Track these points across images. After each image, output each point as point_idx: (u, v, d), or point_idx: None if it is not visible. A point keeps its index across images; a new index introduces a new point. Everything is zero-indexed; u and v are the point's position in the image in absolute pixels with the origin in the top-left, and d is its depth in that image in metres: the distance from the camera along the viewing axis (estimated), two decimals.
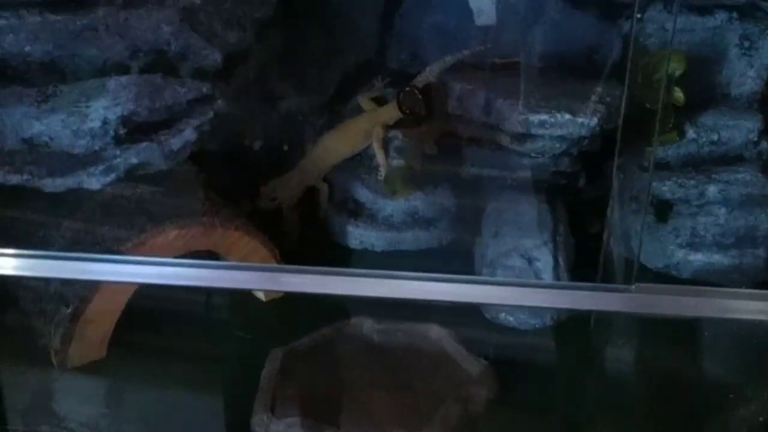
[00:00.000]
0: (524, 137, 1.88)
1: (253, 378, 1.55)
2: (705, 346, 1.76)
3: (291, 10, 2.07)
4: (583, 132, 1.85)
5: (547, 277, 1.82)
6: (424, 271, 1.34)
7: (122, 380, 1.71)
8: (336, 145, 2.12)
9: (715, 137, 1.95)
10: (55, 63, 1.66)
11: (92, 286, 1.62)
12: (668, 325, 1.72)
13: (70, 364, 1.67)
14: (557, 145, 1.88)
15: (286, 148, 2.11)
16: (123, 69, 1.69)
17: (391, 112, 2.10)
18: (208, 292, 1.87)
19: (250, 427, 1.48)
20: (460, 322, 1.69)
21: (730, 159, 1.96)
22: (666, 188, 1.92)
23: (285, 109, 2.11)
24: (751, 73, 1.99)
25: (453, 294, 1.35)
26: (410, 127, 2.06)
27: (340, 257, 2.04)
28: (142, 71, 1.70)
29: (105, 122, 1.65)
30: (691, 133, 1.95)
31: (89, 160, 1.65)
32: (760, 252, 1.90)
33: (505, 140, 1.91)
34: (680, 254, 1.92)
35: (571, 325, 1.82)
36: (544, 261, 1.84)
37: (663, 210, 1.95)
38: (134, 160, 1.67)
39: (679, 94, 1.86)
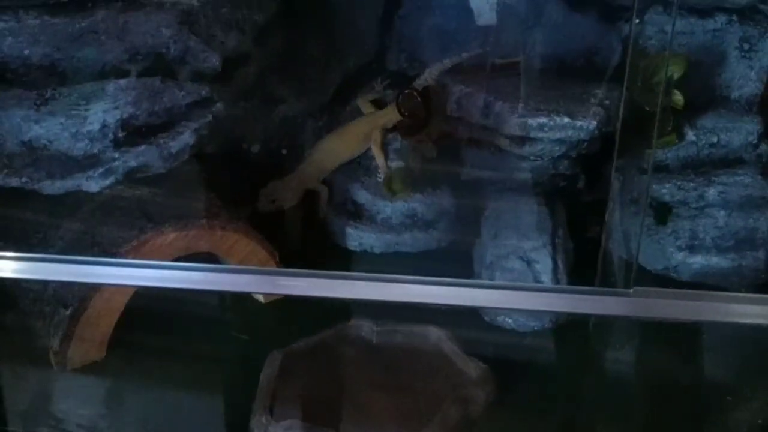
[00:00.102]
0: (523, 140, 1.88)
1: (252, 380, 1.55)
2: (703, 348, 1.77)
3: (290, 13, 2.07)
4: (582, 135, 1.85)
5: (546, 279, 1.83)
6: (423, 273, 1.34)
7: (121, 381, 1.71)
8: (335, 148, 2.12)
9: (714, 140, 1.96)
10: (54, 66, 1.66)
11: (91, 288, 1.63)
12: (667, 327, 1.72)
13: (70, 365, 1.67)
14: (556, 148, 1.88)
15: (284, 152, 2.12)
16: (122, 72, 1.70)
17: (390, 115, 2.10)
18: (207, 293, 1.87)
19: (249, 429, 1.48)
20: (459, 323, 1.69)
21: (729, 161, 1.96)
22: (665, 191, 1.92)
23: (284, 111, 2.12)
24: (751, 75, 2.00)
25: (451, 297, 1.35)
26: (409, 129, 2.06)
27: (339, 259, 2.04)
28: (141, 74, 1.71)
29: (104, 125, 1.65)
30: (690, 135, 1.95)
31: (88, 162, 1.66)
32: (760, 254, 1.90)
33: (504, 143, 1.91)
34: (679, 257, 1.92)
35: (570, 328, 1.82)
36: (543, 263, 1.84)
37: (662, 212, 1.95)
38: (133, 163, 1.68)
39: (678, 97, 1.86)
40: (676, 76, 1.85)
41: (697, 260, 1.91)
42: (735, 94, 2.01)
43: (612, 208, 1.75)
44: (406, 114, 2.06)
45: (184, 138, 1.72)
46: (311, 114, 2.18)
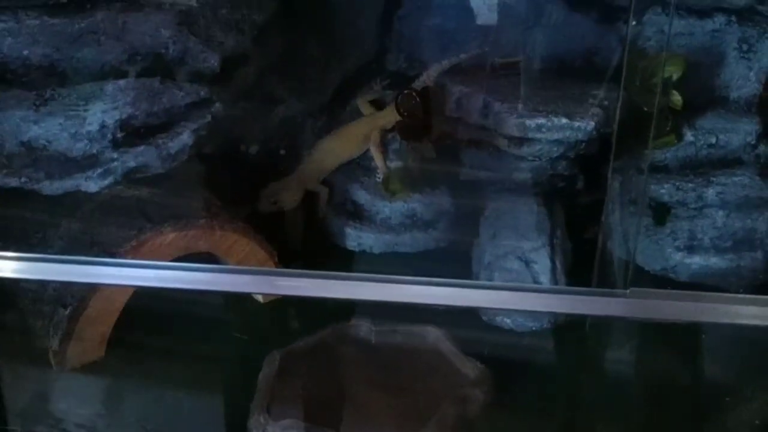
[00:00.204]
0: (521, 141, 1.88)
1: (250, 379, 1.56)
2: (700, 349, 1.77)
3: (290, 14, 2.07)
4: (580, 136, 1.85)
5: (545, 279, 1.83)
6: (421, 274, 1.34)
7: (120, 381, 1.71)
8: (335, 148, 2.12)
9: (713, 140, 1.95)
10: (53, 66, 1.66)
11: (90, 287, 1.63)
12: (665, 328, 1.72)
13: (69, 364, 1.68)
14: (554, 149, 1.88)
15: (282, 152, 2.12)
16: (121, 73, 1.70)
17: (389, 116, 2.10)
18: (206, 293, 1.88)
19: (247, 428, 1.48)
20: (457, 324, 1.70)
21: (728, 162, 1.96)
22: (664, 191, 1.92)
23: (283, 112, 2.12)
24: (750, 76, 1.99)
25: (450, 298, 1.35)
26: (408, 130, 2.06)
27: (338, 259, 2.04)
28: (140, 75, 1.71)
29: (103, 126, 1.65)
30: (689, 136, 1.95)
31: (87, 163, 1.66)
32: (758, 255, 1.90)
33: (502, 143, 1.91)
34: (678, 257, 1.92)
35: (568, 328, 1.83)
36: (542, 264, 1.84)
37: (661, 213, 1.95)
38: (132, 164, 1.68)
39: (677, 97, 1.86)
40: (675, 76, 1.85)
41: (696, 261, 1.91)
42: (734, 95, 2.01)
43: (609, 208, 1.75)
44: (405, 114, 2.06)
45: (183, 138, 1.72)
46: (310, 114, 2.18)
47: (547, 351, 1.81)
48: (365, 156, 2.13)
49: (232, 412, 1.62)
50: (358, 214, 2.09)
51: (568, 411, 1.70)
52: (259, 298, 1.89)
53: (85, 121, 1.64)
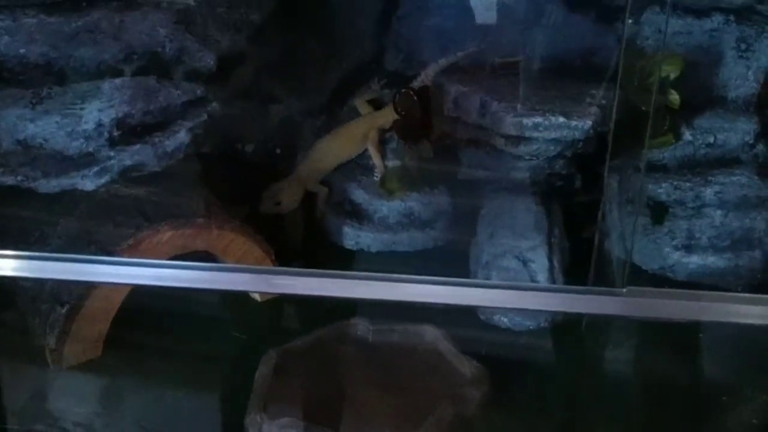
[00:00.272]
0: (518, 140, 1.88)
1: (248, 378, 1.56)
2: (696, 347, 1.77)
3: (287, 13, 2.07)
4: (577, 135, 1.85)
5: (542, 278, 1.83)
6: (419, 273, 1.34)
7: (117, 379, 1.71)
8: (333, 148, 2.12)
9: (711, 139, 1.96)
10: (50, 65, 1.66)
11: (88, 286, 1.63)
12: (662, 326, 1.72)
13: (66, 363, 1.68)
14: (551, 148, 1.88)
15: (278, 150, 2.12)
16: (118, 71, 1.70)
17: (387, 116, 2.10)
18: (204, 291, 1.88)
19: (244, 427, 1.48)
20: (455, 323, 1.70)
21: (726, 161, 1.96)
22: (662, 190, 1.93)
23: (281, 111, 2.12)
24: (748, 75, 1.99)
25: (447, 296, 1.35)
26: (406, 129, 2.06)
27: (336, 258, 2.04)
28: (137, 73, 1.71)
29: (99, 124, 1.66)
30: (687, 135, 1.95)
31: (84, 161, 1.66)
32: (756, 254, 1.90)
33: (499, 142, 1.91)
34: (676, 256, 1.92)
35: (566, 327, 1.83)
36: (539, 263, 1.84)
37: (659, 212, 1.95)
38: (128, 162, 1.68)
39: (675, 97, 1.86)
40: (672, 76, 1.85)
41: (694, 260, 1.91)
42: (732, 94, 2.00)
43: (606, 207, 1.75)
44: (403, 113, 2.06)
45: (180, 137, 1.73)
46: (309, 114, 2.18)
47: (545, 350, 1.81)
48: (363, 155, 2.13)
49: (229, 411, 1.62)
50: (356, 213, 2.09)
51: (565, 410, 1.70)
52: (257, 296, 1.89)
53: (81, 120, 1.65)
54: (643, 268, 1.95)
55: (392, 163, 2.10)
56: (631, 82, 1.74)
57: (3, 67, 1.65)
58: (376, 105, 2.19)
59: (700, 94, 1.99)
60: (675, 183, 1.92)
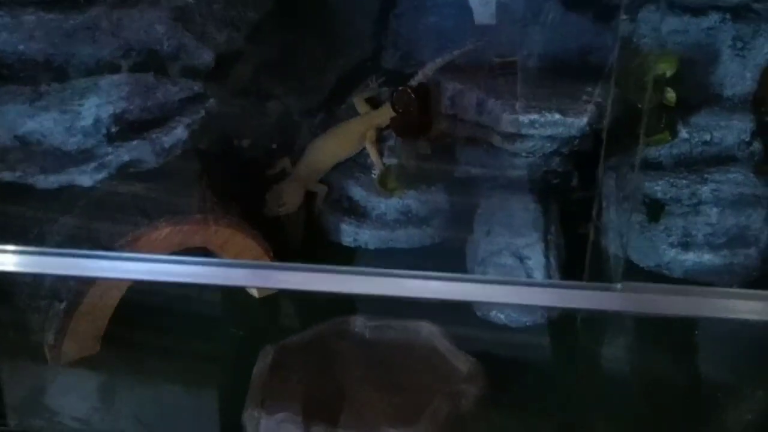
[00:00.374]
0: (515, 137, 1.89)
1: (245, 374, 1.56)
2: (692, 343, 1.77)
3: (285, 11, 2.08)
4: (573, 132, 1.85)
5: (539, 275, 1.83)
6: (416, 269, 1.34)
7: (115, 376, 1.72)
8: (331, 147, 2.13)
9: (707, 137, 1.96)
10: (48, 61, 1.67)
11: (86, 282, 1.63)
12: (658, 322, 1.73)
13: (64, 359, 1.68)
14: (548, 145, 1.89)
15: (274, 146, 2.12)
16: (116, 68, 1.71)
17: (384, 115, 2.11)
18: (202, 288, 1.88)
19: (242, 423, 1.49)
20: (452, 319, 1.70)
21: (722, 159, 1.96)
22: (658, 188, 1.93)
23: (279, 109, 2.12)
24: (744, 73, 1.99)
25: (443, 291, 1.35)
26: (404, 128, 2.07)
27: (333, 255, 2.04)
28: (135, 70, 1.71)
29: (97, 120, 1.66)
30: (683, 133, 1.95)
31: (82, 157, 1.66)
32: (751, 252, 1.90)
33: (496, 140, 1.92)
34: (672, 253, 1.93)
35: (562, 323, 1.83)
36: (536, 259, 1.85)
37: (655, 209, 1.95)
38: (126, 158, 1.69)
39: (671, 94, 1.87)
40: (668, 73, 1.85)
41: (689, 257, 1.92)
42: (728, 92, 2.01)
43: (600, 204, 1.76)
44: (401, 111, 2.06)
45: (177, 133, 1.73)
46: (307, 112, 2.19)
47: (541, 346, 1.82)
48: (361, 153, 2.14)
49: (226, 406, 1.63)
50: (353, 210, 2.10)
51: (562, 406, 1.70)
52: (254, 292, 1.89)
53: (79, 116, 1.65)
54: (640, 265, 1.95)
55: (390, 161, 2.11)
56: (626, 79, 1.74)
57: (2, 63, 1.66)
58: (374, 103, 2.20)
59: (697, 92, 1.99)
60: (671, 180, 1.93)
